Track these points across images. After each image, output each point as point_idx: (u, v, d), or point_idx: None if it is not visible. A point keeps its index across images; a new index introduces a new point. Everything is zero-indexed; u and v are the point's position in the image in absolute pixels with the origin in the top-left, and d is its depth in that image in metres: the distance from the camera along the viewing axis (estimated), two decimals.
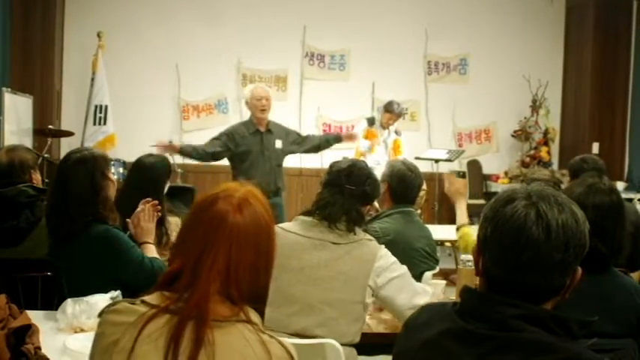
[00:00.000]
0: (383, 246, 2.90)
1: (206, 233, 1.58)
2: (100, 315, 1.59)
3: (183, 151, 6.20)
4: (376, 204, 3.80)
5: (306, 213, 2.93)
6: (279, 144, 6.17)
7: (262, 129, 6.07)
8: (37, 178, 3.79)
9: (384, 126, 7.63)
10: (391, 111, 7.50)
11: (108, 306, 1.59)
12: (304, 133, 6.94)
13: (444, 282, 3.60)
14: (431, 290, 3.06)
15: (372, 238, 2.95)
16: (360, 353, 2.86)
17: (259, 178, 5.91)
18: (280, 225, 2.91)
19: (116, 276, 2.96)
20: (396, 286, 2.82)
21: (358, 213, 2.89)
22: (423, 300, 2.76)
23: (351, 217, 2.85)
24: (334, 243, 2.81)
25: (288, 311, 2.76)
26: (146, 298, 1.57)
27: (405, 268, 2.89)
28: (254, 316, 1.59)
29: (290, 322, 2.75)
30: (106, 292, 2.80)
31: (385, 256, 2.86)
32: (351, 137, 6.96)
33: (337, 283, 2.77)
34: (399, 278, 2.83)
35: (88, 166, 3.08)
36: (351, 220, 2.85)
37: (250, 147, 6.00)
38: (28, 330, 2.34)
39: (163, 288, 1.57)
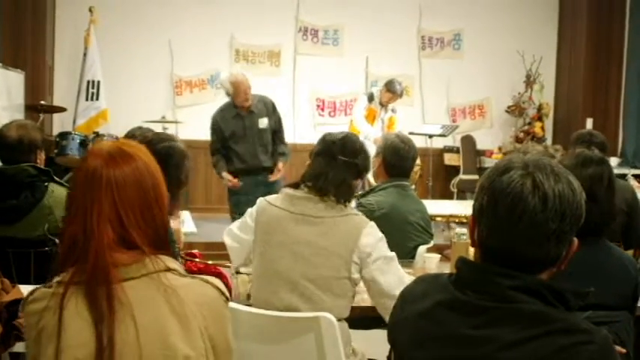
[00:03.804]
0: (372, 222, 2.81)
1: (84, 192, 1.54)
2: (23, 308, 1.57)
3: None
4: (371, 178, 3.77)
5: (294, 185, 2.87)
6: (263, 123, 6.01)
7: (244, 112, 6.00)
8: (41, 158, 3.74)
9: (383, 104, 7.66)
10: (394, 91, 7.54)
11: (27, 297, 1.57)
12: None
13: (439, 256, 3.60)
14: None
15: (358, 213, 2.88)
16: (355, 327, 2.84)
17: (247, 157, 5.95)
18: (266, 198, 2.89)
19: None
20: (379, 267, 2.73)
21: (349, 186, 2.82)
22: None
23: (341, 190, 2.78)
24: (317, 217, 2.74)
25: (274, 288, 2.73)
26: (60, 277, 1.53)
27: (393, 253, 2.81)
28: (171, 263, 1.56)
29: (275, 299, 2.72)
30: None
31: (372, 234, 2.76)
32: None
33: (320, 259, 2.70)
34: (383, 260, 2.75)
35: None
36: (341, 193, 2.78)
37: (233, 128, 5.95)
38: (20, 304, 2.33)
39: (67, 260, 1.53)
